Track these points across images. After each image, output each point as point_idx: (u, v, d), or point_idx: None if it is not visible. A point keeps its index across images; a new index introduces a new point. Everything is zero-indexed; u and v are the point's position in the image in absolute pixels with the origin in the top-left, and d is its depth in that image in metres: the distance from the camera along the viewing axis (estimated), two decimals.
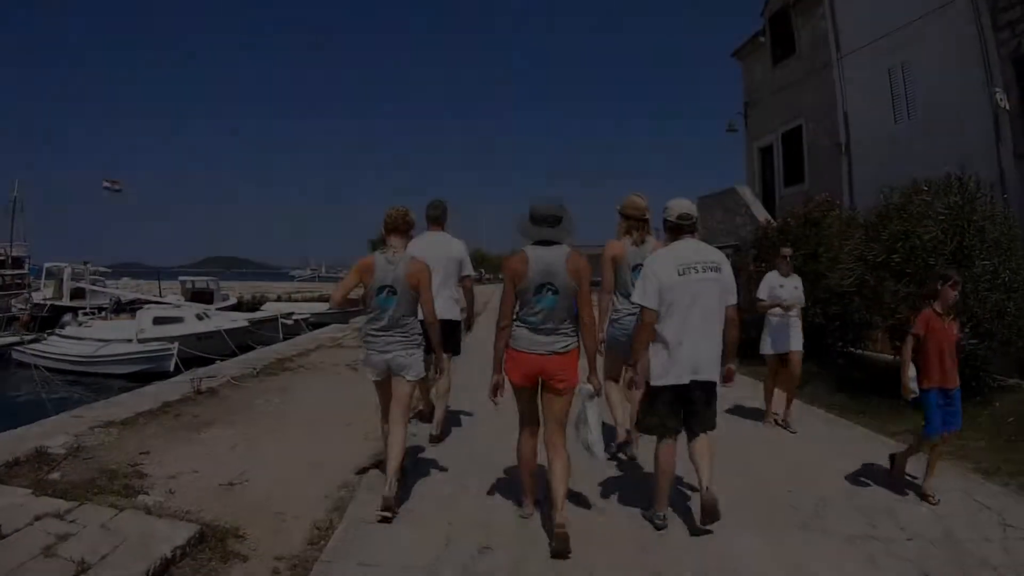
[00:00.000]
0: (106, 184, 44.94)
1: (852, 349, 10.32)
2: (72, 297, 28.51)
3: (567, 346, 3.62)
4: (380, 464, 4.53)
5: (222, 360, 10.52)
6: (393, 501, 3.88)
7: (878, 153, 12.58)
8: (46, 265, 33.54)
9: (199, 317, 17.75)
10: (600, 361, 4.25)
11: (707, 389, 3.73)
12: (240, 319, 18.25)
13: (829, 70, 14.10)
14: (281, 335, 17.45)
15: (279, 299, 37.77)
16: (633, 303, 4.01)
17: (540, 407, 3.77)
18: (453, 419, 6.16)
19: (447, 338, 4.81)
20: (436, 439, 5.52)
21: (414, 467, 4.86)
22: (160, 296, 33.41)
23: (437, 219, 5.60)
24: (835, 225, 9.20)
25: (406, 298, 4.07)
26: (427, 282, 4.12)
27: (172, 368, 13.75)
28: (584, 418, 3.72)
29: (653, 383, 3.71)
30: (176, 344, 14.14)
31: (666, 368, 3.65)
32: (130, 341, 15.99)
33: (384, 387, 4.22)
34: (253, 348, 13.30)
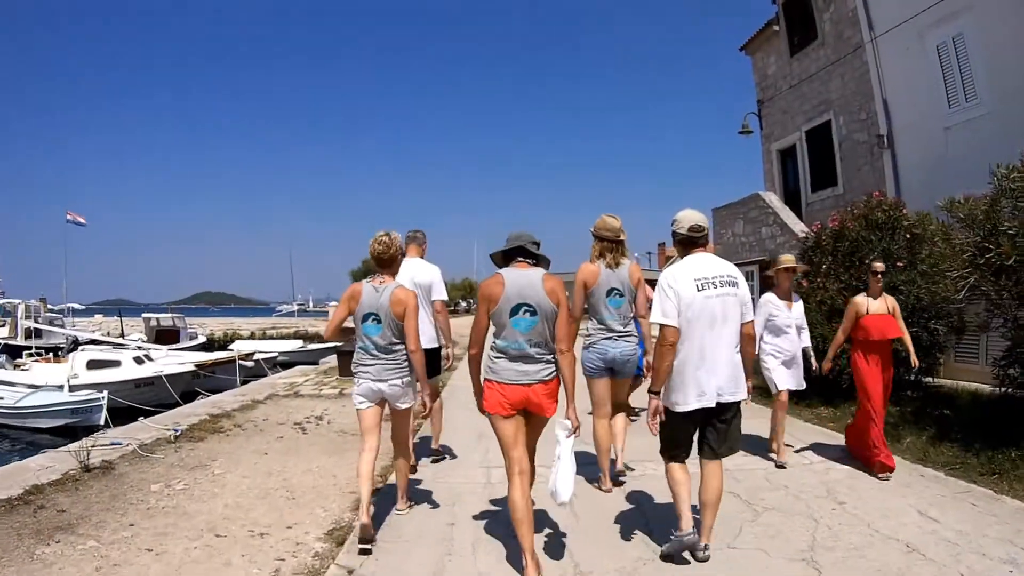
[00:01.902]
0: (69, 217, 45.35)
1: (923, 378, 8.54)
2: (29, 336, 26.33)
3: (551, 373, 3.55)
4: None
5: (146, 417, 8.51)
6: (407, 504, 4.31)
7: (930, 144, 10.90)
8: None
9: (138, 360, 15.67)
10: (581, 394, 3.97)
11: (733, 410, 3.56)
12: (188, 362, 16.19)
13: (861, 54, 12.48)
14: (238, 379, 15.40)
15: (252, 336, 35.65)
16: (636, 325, 4.46)
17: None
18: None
19: (426, 364, 4.42)
20: (436, 452, 5.76)
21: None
22: (123, 334, 31.35)
23: (415, 240, 5.59)
24: (928, 224, 7.38)
25: (391, 326, 4.04)
26: (413, 311, 4.05)
27: (102, 422, 11.73)
28: (557, 457, 3.51)
29: (676, 409, 3.47)
30: (105, 393, 12.10)
31: (690, 391, 3.44)
32: (62, 388, 13.92)
33: (369, 415, 4.15)
34: (202, 395, 11.38)
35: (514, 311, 3.46)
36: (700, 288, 3.42)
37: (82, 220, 48.25)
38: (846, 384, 7.60)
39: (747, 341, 3.60)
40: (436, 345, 5.44)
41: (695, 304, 3.40)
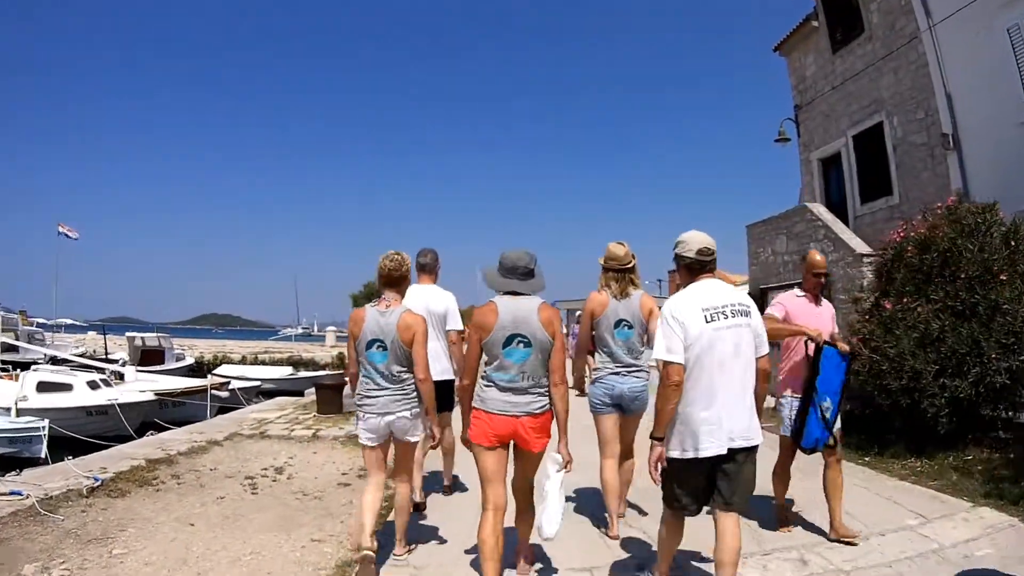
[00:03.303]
0: (61, 230, 45.98)
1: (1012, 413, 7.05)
2: (5, 351, 25.01)
3: (543, 407, 3.44)
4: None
5: (73, 456, 7.10)
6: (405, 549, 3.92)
7: (1004, 141, 9.54)
8: None
9: (92, 385, 13.98)
10: (578, 427, 4.02)
11: (748, 455, 3.15)
12: (148, 390, 14.68)
13: (917, 45, 11.17)
14: (208, 411, 13.90)
15: (243, 360, 34.19)
16: (651, 360, 3.85)
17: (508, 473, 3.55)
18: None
19: (439, 397, 4.24)
20: (447, 490, 5.45)
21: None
22: (107, 353, 30.12)
23: (425, 268, 5.27)
24: None
25: (398, 353, 3.82)
26: (422, 337, 3.86)
27: (43, 454, 10.33)
28: (544, 491, 3.44)
29: (683, 455, 3.09)
30: (46, 422, 10.66)
31: (701, 436, 3.06)
32: (9, 411, 12.51)
33: (376, 454, 3.92)
34: (151, 433, 9.98)
35: (507, 342, 3.39)
36: (709, 319, 3.10)
37: (73, 234, 48.40)
38: (944, 429, 6.16)
39: (762, 377, 3.24)
40: (450, 377, 5.12)
41: (703, 337, 3.07)
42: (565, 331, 12.53)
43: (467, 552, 4.07)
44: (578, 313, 15.99)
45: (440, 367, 4.91)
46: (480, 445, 3.41)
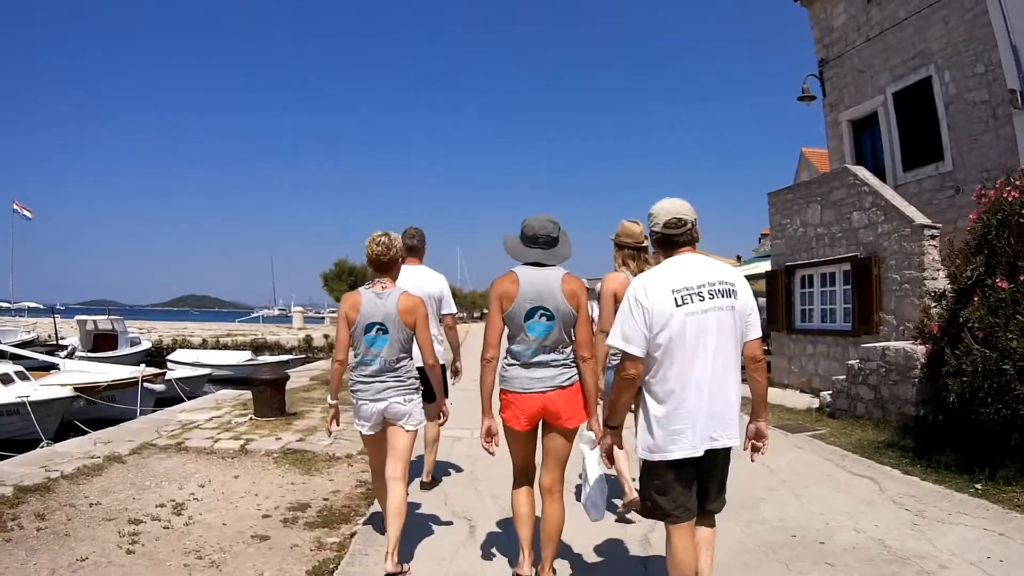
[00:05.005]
0: (15, 207, 46.12)
1: None
2: None
3: (571, 379, 3.35)
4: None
5: None
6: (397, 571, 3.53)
7: None
8: None
9: (4, 380, 12.15)
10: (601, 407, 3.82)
11: (724, 458, 2.90)
12: (68, 384, 12.90)
13: None
14: (139, 407, 12.26)
15: (204, 344, 32.42)
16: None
17: (537, 450, 3.52)
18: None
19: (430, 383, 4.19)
20: (427, 485, 5.35)
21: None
22: (58, 339, 28.47)
23: (413, 249, 5.18)
24: None
25: (400, 337, 3.74)
26: (424, 319, 3.81)
27: None
28: (583, 472, 3.38)
29: (654, 457, 2.79)
30: None
31: (671, 435, 2.74)
32: None
33: (376, 442, 3.88)
34: (45, 443, 8.43)
35: (529, 315, 3.28)
36: (680, 302, 2.71)
37: (28, 213, 48.15)
38: (1015, 440, 4.93)
39: (755, 367, 2.86)
40: (441, 362, 5.06)
41: (673, 323, 2.69)
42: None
43: None
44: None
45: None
46: (513, 428, 3.35)
